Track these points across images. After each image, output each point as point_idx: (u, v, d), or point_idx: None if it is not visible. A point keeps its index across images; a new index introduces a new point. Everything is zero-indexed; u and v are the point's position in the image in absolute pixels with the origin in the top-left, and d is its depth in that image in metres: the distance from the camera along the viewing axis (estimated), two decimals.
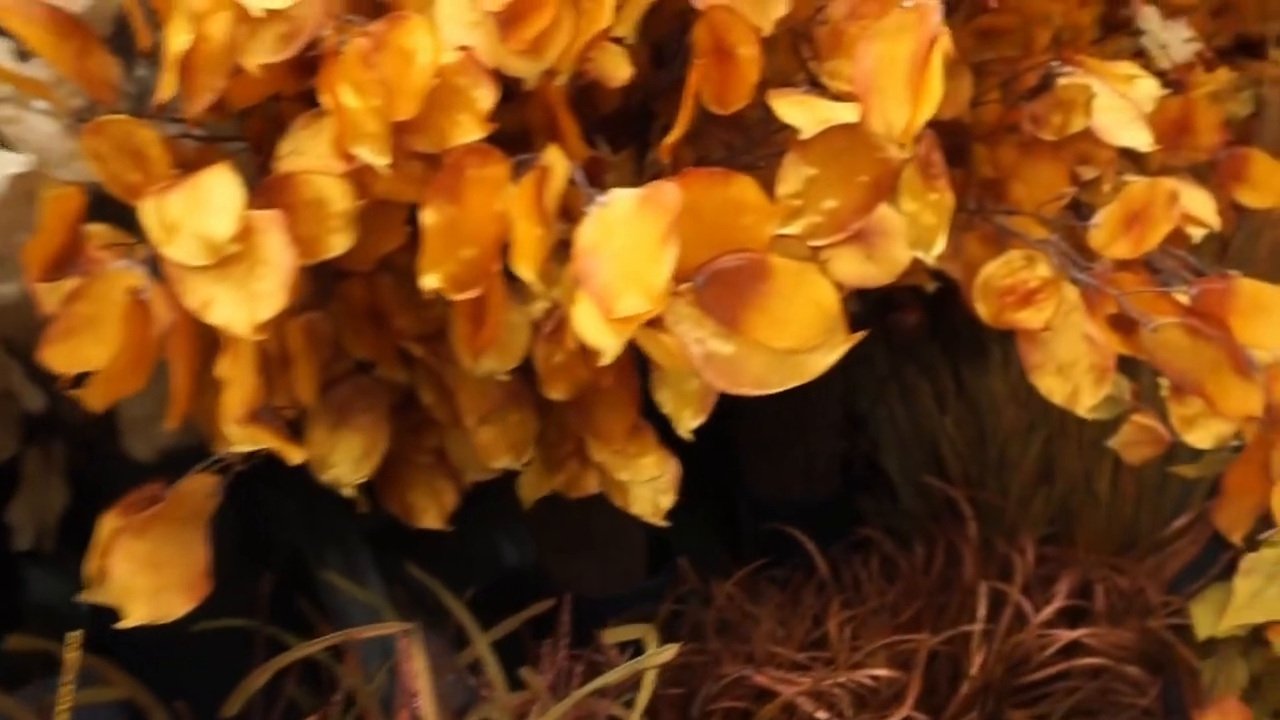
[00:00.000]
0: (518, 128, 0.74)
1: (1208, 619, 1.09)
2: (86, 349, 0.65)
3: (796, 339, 0.59)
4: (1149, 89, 1.00)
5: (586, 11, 0.65)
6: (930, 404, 1.33)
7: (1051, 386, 0.85)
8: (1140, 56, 1.14)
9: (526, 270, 0.61)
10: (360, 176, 0.68)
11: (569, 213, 0.63)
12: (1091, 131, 0.96)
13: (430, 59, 0.63)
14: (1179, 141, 1.07)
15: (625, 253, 0.57)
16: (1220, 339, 0.73)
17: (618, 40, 0.76)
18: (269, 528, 1.06)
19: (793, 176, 0.69)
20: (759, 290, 0.59)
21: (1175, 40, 1.13)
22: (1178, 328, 0.75)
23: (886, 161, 0.68)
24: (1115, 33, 1.16)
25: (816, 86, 0.76)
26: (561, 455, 0.85)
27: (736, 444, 1.42)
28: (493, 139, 0.68)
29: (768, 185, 0.69)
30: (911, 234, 0.68)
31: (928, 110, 0.60)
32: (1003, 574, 1.18)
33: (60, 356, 0.65)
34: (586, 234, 0.59)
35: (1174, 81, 1.15)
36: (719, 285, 0.59)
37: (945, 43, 0.63)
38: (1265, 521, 0.89)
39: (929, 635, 1.08)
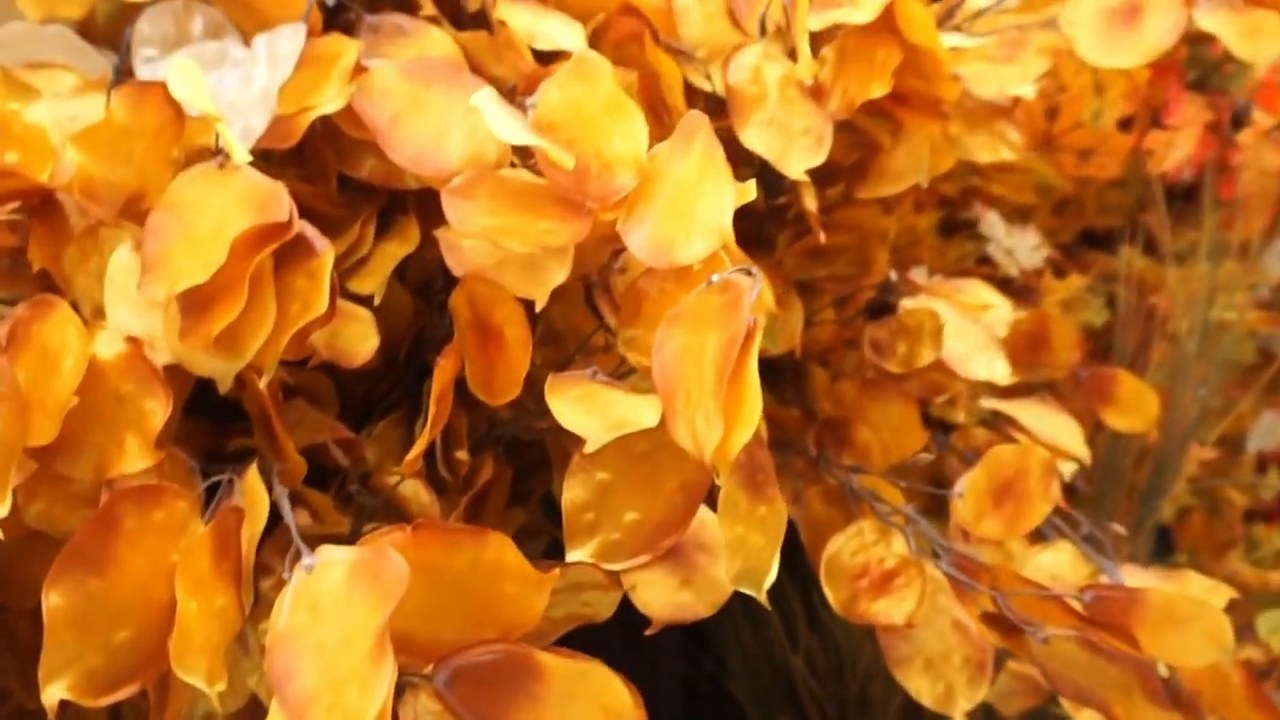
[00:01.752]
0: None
1: None
2: None
3: None
4: (1003, 314, 0.89)
5: (299, 291, 0.50)
6: (779, 630, 1.19)
7: (919, 687, 0.70)
8: (985, 262, 1.04)
9: (194, 670, 0.43)
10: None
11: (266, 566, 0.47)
12: (942, 362, 0.84)
13: (76, 362, 0.47)
14: (1035, 359, 0.96)
15: (331, 652, 0.41)
16: (1125, 657, 0.60)
17: (363, 300, 0.61)
18: None
19: (582, 484, 0.54)
20: (528, 692, 0.43)
21: (1022, 247, 1.03)
22: (1073, 641, 0.61)
23: (702, 463, 0.53)
24: (955, 235, 1.06)
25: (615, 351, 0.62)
26: None
27: None
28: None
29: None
30: (734, 563, 0.52)
31: (746, 429, 0.46)
32: None
33: None
34: (281, 619, 0.42)
35: (1023, 288, 1.06)
36: (469, 684, 0.43)
37: (764, 323, 0.49)
38: None
39: None
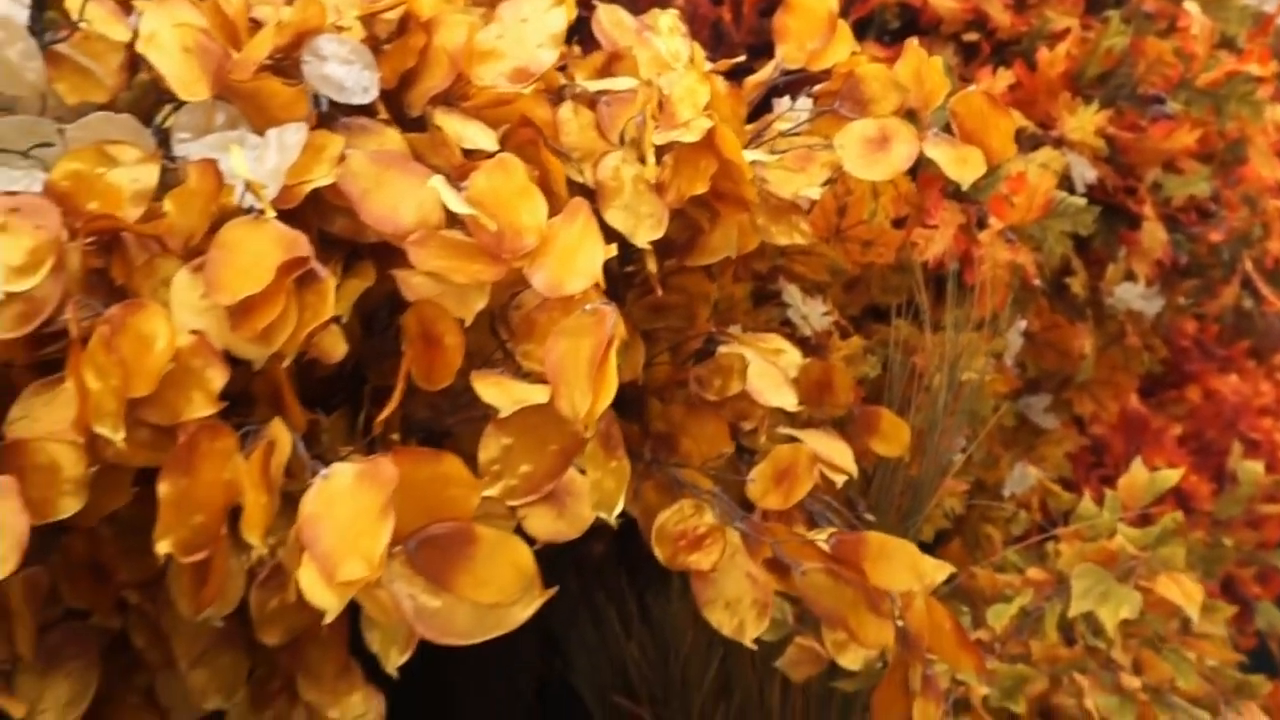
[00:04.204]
0: (240, 392, 0.82)
1: None
2: None
3: (498, 595, 0.68)
4: (793, 359, 1.18)
5: (310, 304, 0.75)
6: (617, 627, 1.44)
7: (721, 620, 0.97)
8: (786, 325, 1.34)
9: (254, 536, 0.68)
10: (92, 443, 0.73)
11: (289, 474, 0.71)
12: (747, 393, 1.12)
13: (167, 344, 0.71)
14: (821, 399, 1.25)
15: (346, 523, 0.66)
16: (856, 581, 0.88)
17: (335, 319, 0.85)
18: None
19: (492, 445, 0.80)
20: (465, 554, 0.68)
21: (814, 313, 1.33)
22: (821, 572, 0.89)
23: (573, 433, 0.79)
24: (765, 303, 1.35)
25: (511, 362, 0.88)
26: (270, 692, 0.89)
27: (446, 675, 1.48)
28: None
29: (472, 446, 0.80)
30: (594, 497, 0.79)
31: (606, 398, 0.72)
32: None
33: None
34: (309, 504, 0.67)
35: (815, 346, 1.35)
36: (429, 549, 0.68)
37: (619, 338, 0.76)
38: None
39: None
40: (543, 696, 1.54)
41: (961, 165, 1.03)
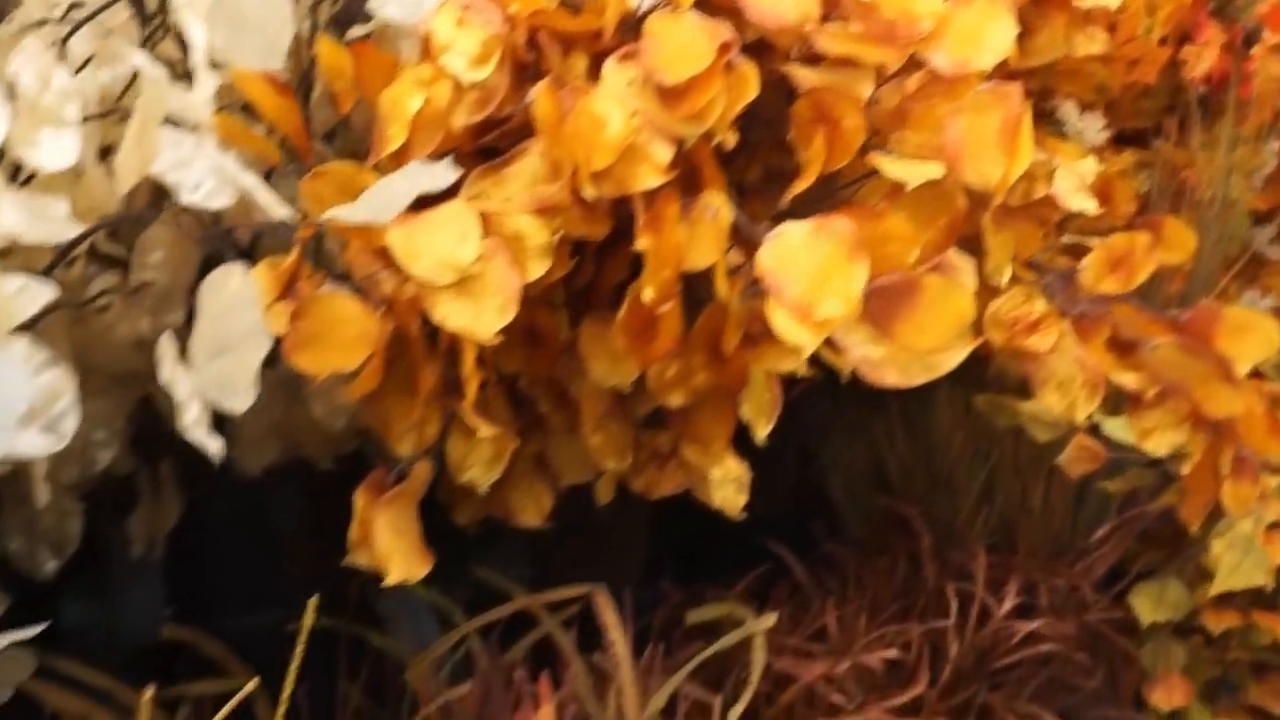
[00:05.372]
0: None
1: (1147, 608, 1.30)
2: (327, 355, 0.77)
3: (936, 340, 0.76)
4: (1090, 166, 1.22)
5: (735, 86, 0.82)
6: (880, 437, 1.52)
7: (1053, 401, 1.03)
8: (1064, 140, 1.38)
9: (726, 289, 0.76)
10: (542, 215, 0.82)
11: None
12: (1050, 197, 1.17)
13: (623, 123, 0.79)
14: (1101, 210, 1.30)
15: (813, 270, 0.73)
16: (1209, 354, 0.94)
17: None
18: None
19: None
20: (910, 302, 0.75)
21: (1091, 128, 1.37)
22: (1172, 346, 0.95)
23: (959, 207, 0.86)
24: (1040, 121, 1.39)
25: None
26: (656, 456, 0.99)
27: None
28: None
29: None
30: (989, 264, 0.86)
31: (1019, 168, 0.79)
32: (958, 578, 1.36)
33: (307, 363, 0.76)
34: (768, 258, 0.75)
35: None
36: (876, 299, 0.75)
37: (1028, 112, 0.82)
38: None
39: (918, 625, 1.26)
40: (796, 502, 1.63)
41: None
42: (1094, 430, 1.25)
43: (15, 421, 0.54)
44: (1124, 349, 0.99)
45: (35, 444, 0.58)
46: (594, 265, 0.90)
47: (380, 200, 0.71)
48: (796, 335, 0.72)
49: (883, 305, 0.75)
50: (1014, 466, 1.45)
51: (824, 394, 1.42)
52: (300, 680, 0.99)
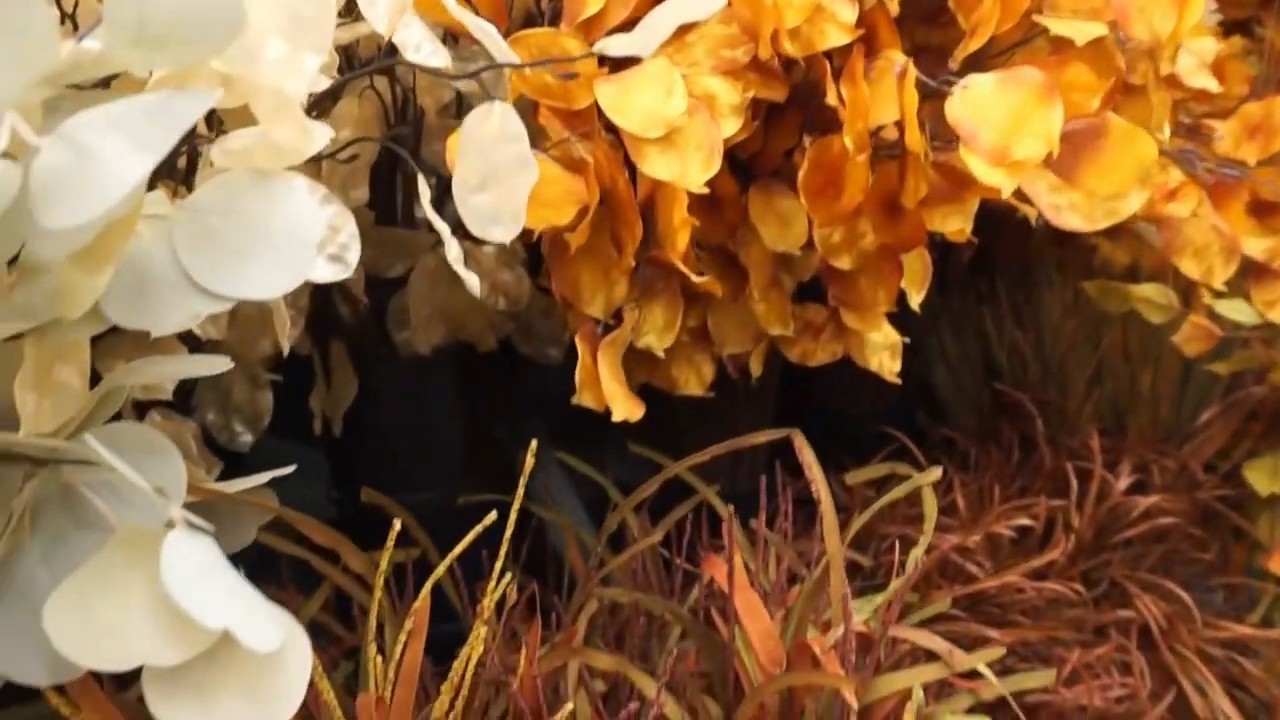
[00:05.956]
0: None
1: (1264, 479, 1.34)
2: (540, 212, 0.81)
3: (1118, 185, 0.79)
4: (1209, 45, 1.24)
5: None
6: (989, 326, 1.56)
7: (1190, 267, 1.07)
8: None
9: (918, 141, 0.80)
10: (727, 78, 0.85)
11: None
12: (1174, 75, 1.20)
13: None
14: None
15: (1009, 114, 0.77)
16: None
17: None
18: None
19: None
20: (1096, 145, 0.79)
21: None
22: None
23: (1119, 70, 0.89)
24: None
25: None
26: (816, 323, 1.03)
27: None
28: None
29: None
30: (1152, 121, 0.89)
31: (1193, 17, 0.82)
32: (1072, 459, 1.41)
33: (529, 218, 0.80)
34: (957, 107, 0.79)
35: None
36: (1065, 144, 0.79)
37: None
38: None
39: (1043, 499, 1.30)
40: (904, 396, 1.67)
41: None
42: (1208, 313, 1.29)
43: (311, 248, 0.58)
44: (1266, 212, 1.02)
45: (326, 271, 0.62)
46: (762, 132, 0.94)
47: (644, 35, 0.72)
48: (994, 178, 0.76)
49: (1069, 150, 0.79)
50: (1123, 353, 1.49)
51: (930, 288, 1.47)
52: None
